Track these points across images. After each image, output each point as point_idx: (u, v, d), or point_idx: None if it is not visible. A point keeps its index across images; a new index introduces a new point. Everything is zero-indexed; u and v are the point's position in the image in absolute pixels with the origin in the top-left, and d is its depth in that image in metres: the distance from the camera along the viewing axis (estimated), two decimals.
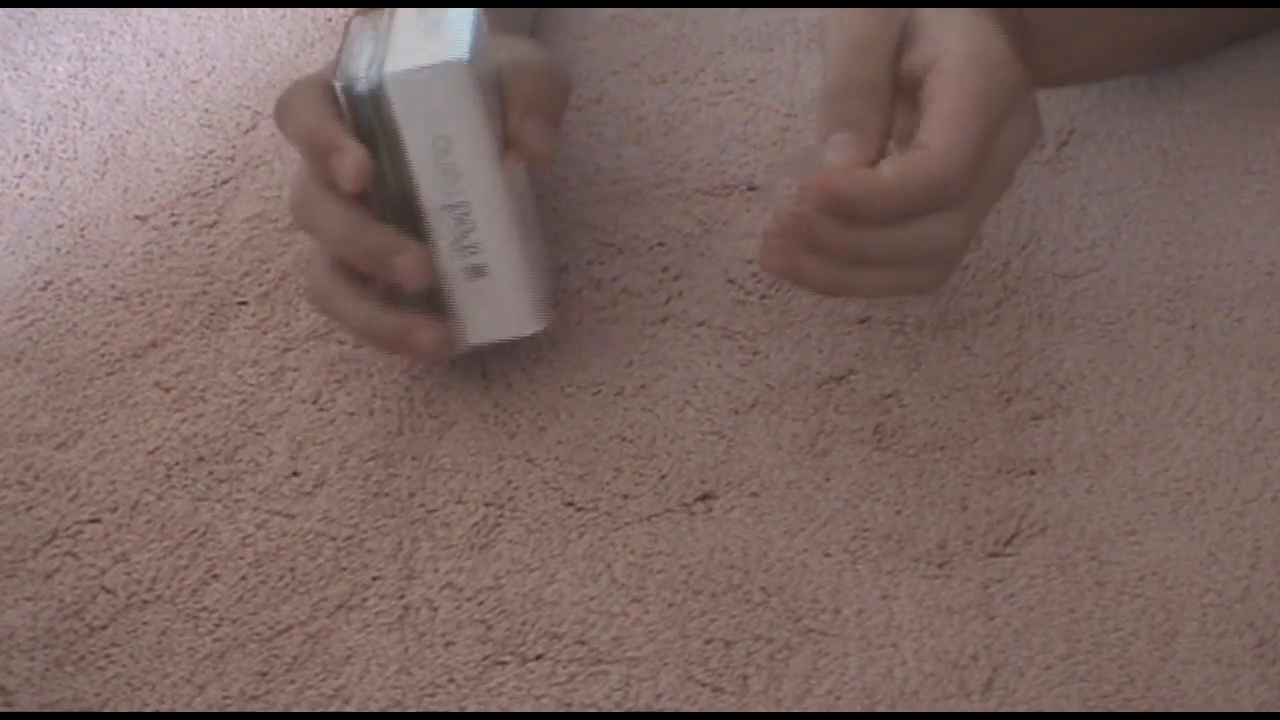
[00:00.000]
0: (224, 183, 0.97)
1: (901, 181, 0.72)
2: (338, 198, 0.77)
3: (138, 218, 0.96)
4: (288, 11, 1.09)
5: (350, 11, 0.87)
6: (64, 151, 1.01)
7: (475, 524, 0.77)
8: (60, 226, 0.96)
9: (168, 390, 0.85)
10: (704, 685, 0.70)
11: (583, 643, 0.72)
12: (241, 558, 0.77)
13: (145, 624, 0.75)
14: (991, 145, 0.73)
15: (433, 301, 0.79)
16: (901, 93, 0.75)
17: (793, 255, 0.74)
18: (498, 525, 0.77)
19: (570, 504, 0.77)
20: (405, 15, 0.79)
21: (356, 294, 0.78)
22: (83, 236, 0.95)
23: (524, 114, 0.78)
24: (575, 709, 0.69)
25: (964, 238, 0.75)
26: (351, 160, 0.75)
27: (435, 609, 0.74)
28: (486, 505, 0.77)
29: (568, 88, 0.84)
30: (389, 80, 0.75)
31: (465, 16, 0.78)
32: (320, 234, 0.78)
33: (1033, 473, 0.76)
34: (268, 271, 0.91)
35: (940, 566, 0.73)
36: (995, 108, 0.73)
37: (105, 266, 0.93)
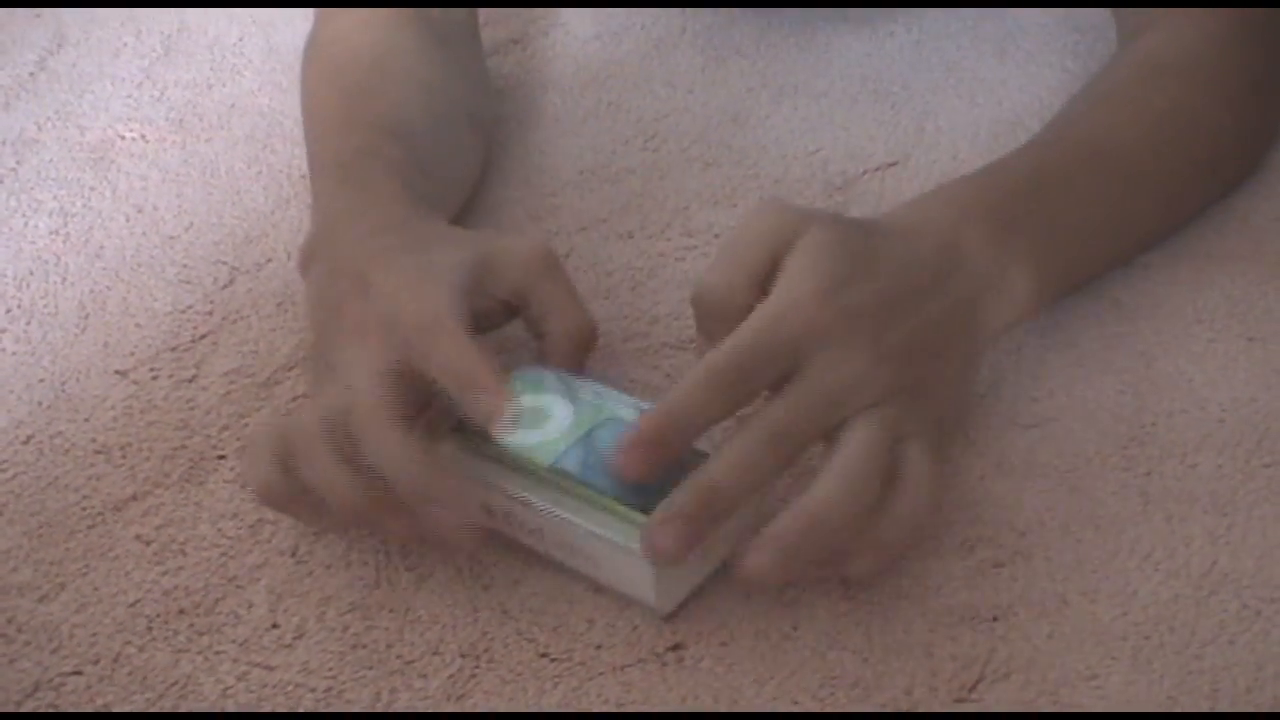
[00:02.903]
0: (202, 338, 0.99)
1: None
2: (395, 424, 0.78)
3: (118, 372, 0.97)
4: (264, 169, 1.12)
5: None
6: (45, 307, 1.03)
7: (451, 675, 0.78)
8: (41, 381, 0.97)
9: (148, 543, 0.87)
10: None
11: None
12: (223, 709, 0.78)
13: None
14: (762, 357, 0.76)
15: None
16: None
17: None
18: (474, 676, 0.78)
19: (545, 655, 0.78)
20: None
21: (348, 468, 0.78)
22: (64, 391, 0.97)
23: (557, 316, 0.86)
24: None
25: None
26: (498, 403, 0.79)
27: None
28: (463, 656, 0.79)
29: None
30: None
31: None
32: (373, 453, 0.78)
33: (995, 619, 0.78)
34: (245, 425, 0.93)
35: (906, 714, 0.74)
36: (773, 326, 0.76)
37: (86, 420, 0.94)
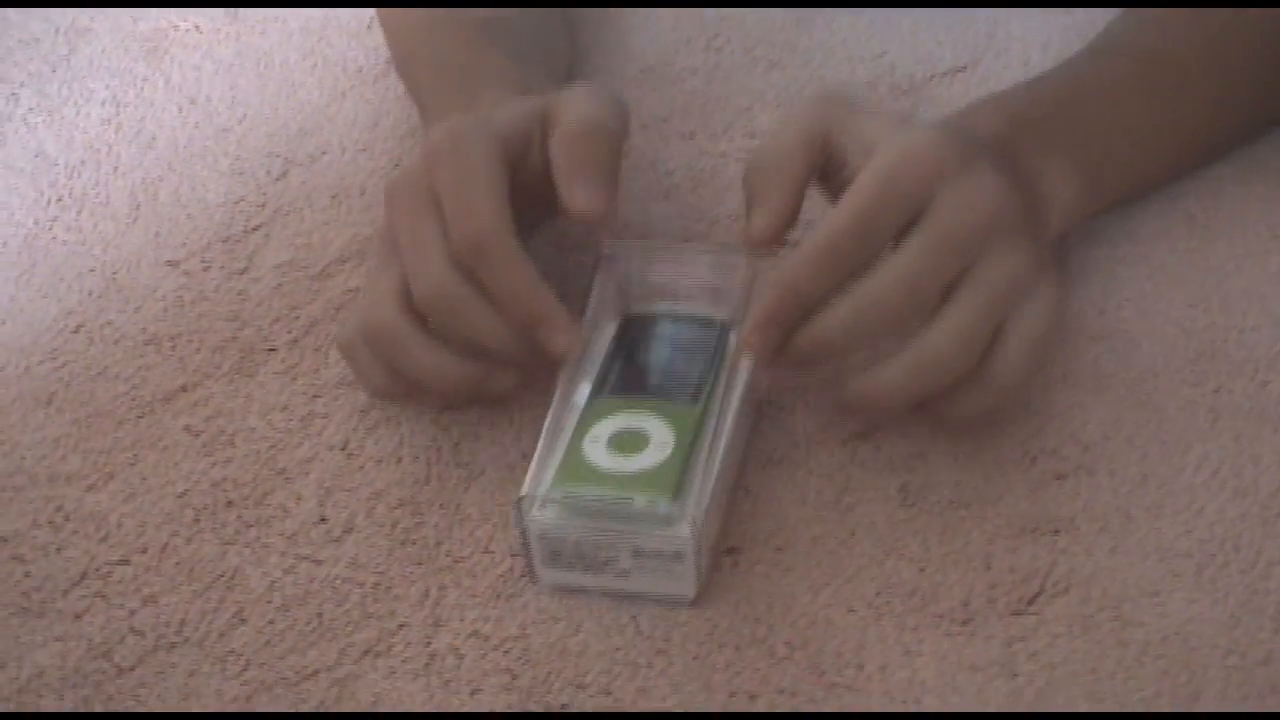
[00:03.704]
0: (255, 229, 0.98)
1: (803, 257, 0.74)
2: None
3: (169, 263, 0.96)
4: (319, 61, 1.10)
5: None
6: (96, 196, 1.02)
7: (501, 574, 0.77)
8: (92, 270, 0.97)
9: (197, 434, 0.86)
10: None
11: (608, 693, 0.72)
12: (269, 602, 0.77)
13: (173, 666, 0.75)
14: (889, 205, 0.74)
15: None
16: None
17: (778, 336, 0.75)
18: (524, 575, 0.77)
19: None
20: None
21: (428, 336, 0.79)
22: (114, 281, 0.96)
23: (571, 180, 0.80)
24: None
25: (905, 279, 0.74)
26: (566, 340, 0.78)
27: (461, 657, 0.74)
28: (513, 556, 0.78)
29: (623, 128, 0.84)
30: None
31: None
32: (466, 321, 0.78)
33: (1056, 532, 0.76)
34: (297, 318, 0.92)
35: (963, 624, 0.73)
36: (895, 173, 0.74)
37: (136, 311, 0.93)
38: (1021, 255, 0.75)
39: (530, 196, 0.81)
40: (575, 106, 0.82)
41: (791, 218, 0.77)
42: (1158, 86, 0.88)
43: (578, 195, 0.79)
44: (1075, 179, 0.83)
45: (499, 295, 0.77)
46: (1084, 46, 0.92)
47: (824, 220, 0.75)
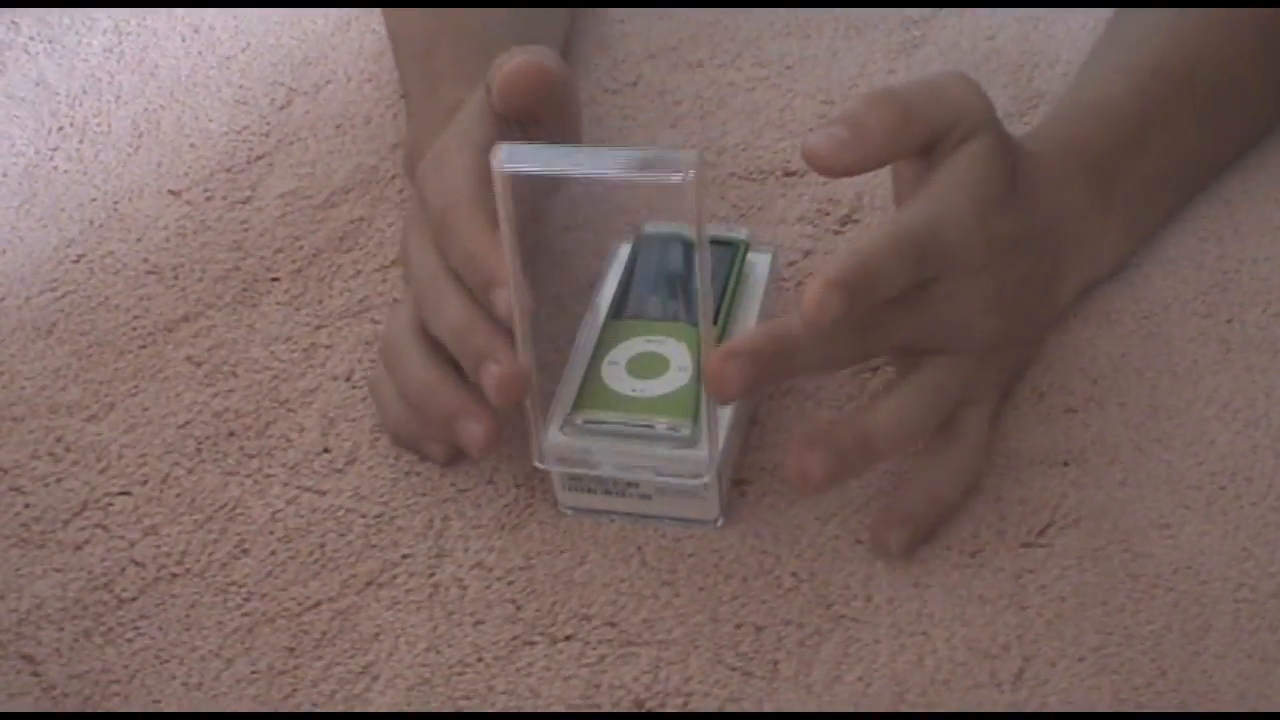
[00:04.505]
0: (258, 159, 0.97)
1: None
2: (460, 290, 0.75)
3: (171, 192, 0.96)
4: None
5: None
6: (98, 125, 1.01)
7: (506, 505, 0.77)
8: (94, 200, 0.96)
9: (199, 365, 0.85)
10: (734, 669, 0.69)
11: (613, 624, 0.71)
12: (271, 533, 0.77)
13: (174, 597, 0.75)
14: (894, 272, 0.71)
15: None
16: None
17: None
18: (529, 506, 0.76)
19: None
20: None
21: (426, 357, 0.76)
22: (116, 210, 0.95)
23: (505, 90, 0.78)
24: (604, 690, 0.69)
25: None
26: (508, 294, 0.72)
27: (465, 588, 0.74)
28: (518, 486, 0.77)
29: (560, 73, 0.80)
30: None
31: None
32: (437, 316, 0.76)
33: (1066, 465, 0.76)
34: (301, 248, 0.91)
35: (972, 556, 0.73)
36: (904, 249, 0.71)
37: (138, 240, 0.93)
38: (978, 369, 0.74)
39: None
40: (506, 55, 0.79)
41: (863, 170, 0.74)
42: (1213, 103, 0.86)
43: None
44: (1123, 233, 0.83)
45: (458, 258, 0.74)
46: (1135, 55, 0.88)
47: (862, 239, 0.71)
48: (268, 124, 0.99)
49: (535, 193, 0.81)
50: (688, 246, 0.78)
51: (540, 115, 0.79)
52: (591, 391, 0.74)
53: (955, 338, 0.73)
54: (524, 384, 0.72)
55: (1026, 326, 0.78)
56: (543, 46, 0.80)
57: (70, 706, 0.70)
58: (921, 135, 0.73)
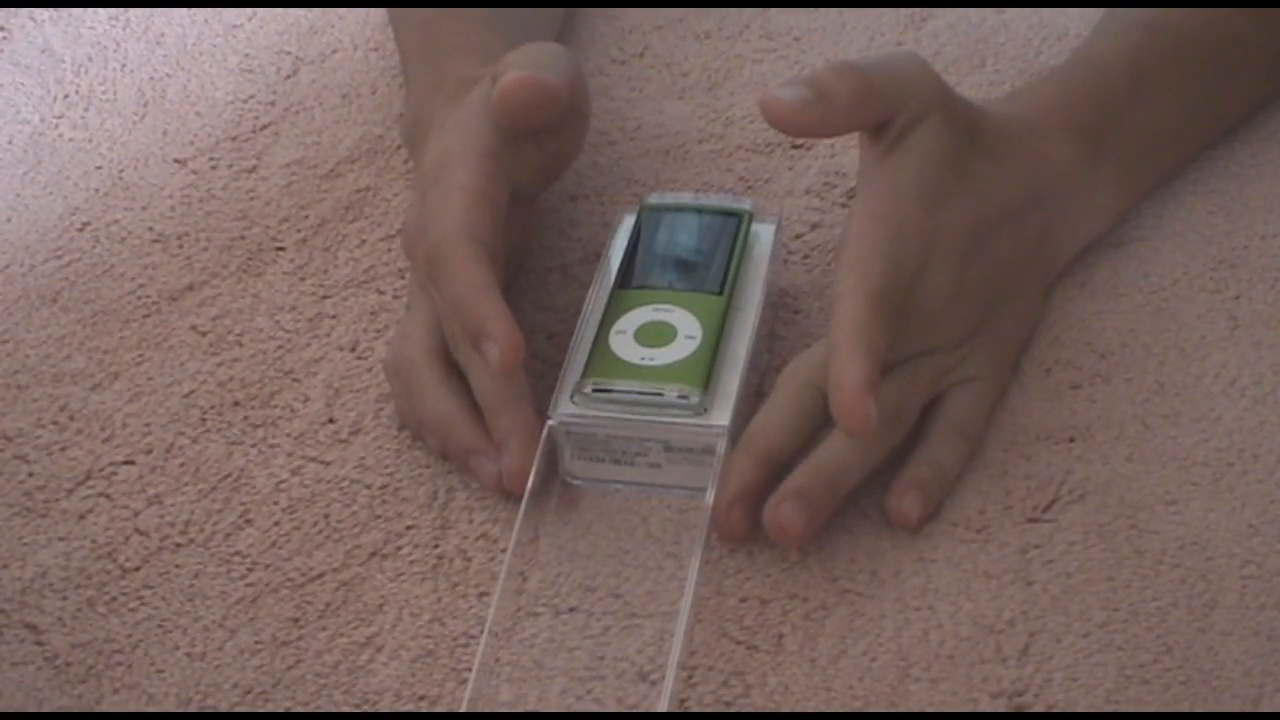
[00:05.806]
0: (264, 128, 0.97)
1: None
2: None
3: (177, 161, 0.95)
4: None
5: None
6: (104, 93, 1.01)
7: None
8: (99, 168, 0.95)
9: (204, 334, 0.85)
10: (739, 643, 0.69)
11: (617, 596, 0.71)
12: (275, 503, 0.77)
13: (178, 567, 0.74)
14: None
15: None
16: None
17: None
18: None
19: None
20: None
21: (440, 386, 0.76)
22: (121, 179, 0.94)
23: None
24: (608, 662, 0.69)
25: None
26: (499, 350, 0.71)
27: (469, 559, 0.73)
28: None
29: (565, 80, 0.78)
30: None
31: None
32: (455, 349, 0.77)
33: (1072, 440, 0.76)
34: (306, 217, 0.90)
35: (978, 531, 0.72)
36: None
37: (143, 209, 0.92)
38: (962, 356, 0.75)
39: (532, 167, 0.80)
40: (513, 60, 0.79)
41: (816, 135, 0.75)
42: (1211, 65, 0.86)
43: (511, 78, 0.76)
44: (1118, 189, 0.83)
45: (448, 302, 0.74)
46: (1131, 16, 0.88)
47: (854, 291, 0.71)
48: (274, 93, 0.99)
49: (521, 209, 0.81)
50: (693, 215, 0.79)
51: (544, 125, 0.79)
52: (600, 360, 0.74)
53: (926, 338, 0.74)
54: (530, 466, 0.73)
55: (1015, 303, 0.78)
56: (548, 45, 0.80)
57: (73, 676, 0.70)
58: (877, 112, 0.73)
